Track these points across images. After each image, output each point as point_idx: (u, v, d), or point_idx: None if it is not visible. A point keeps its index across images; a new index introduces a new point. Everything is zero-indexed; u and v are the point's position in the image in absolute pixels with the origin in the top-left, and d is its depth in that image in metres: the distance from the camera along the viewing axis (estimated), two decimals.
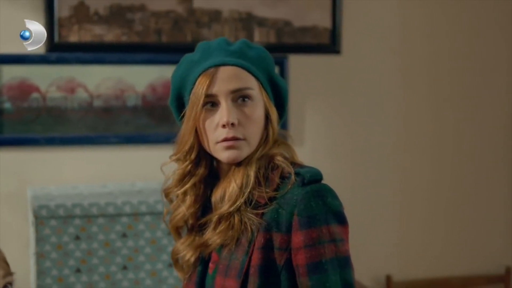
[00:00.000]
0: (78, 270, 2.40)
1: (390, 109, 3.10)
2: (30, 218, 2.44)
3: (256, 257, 1.32)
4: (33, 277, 2.38)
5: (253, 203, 1.36)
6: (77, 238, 2.40)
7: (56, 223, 2.37)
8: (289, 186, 1.34)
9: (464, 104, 3.17)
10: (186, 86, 1.43)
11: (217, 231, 1.38)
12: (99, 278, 2.42)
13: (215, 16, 2.85)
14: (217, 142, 1.37)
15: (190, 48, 1.51)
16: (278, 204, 1.34)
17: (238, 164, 1.39)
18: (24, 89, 2.71)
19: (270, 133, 1.41)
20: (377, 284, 3.10)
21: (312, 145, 3.02)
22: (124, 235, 2.43)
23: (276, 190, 1.35)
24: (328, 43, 2.98)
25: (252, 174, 1.37)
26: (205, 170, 1.44)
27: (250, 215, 1.35)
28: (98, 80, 2.78)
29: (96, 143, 2.80)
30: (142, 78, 2.80)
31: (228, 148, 1.37)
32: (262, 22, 2.90)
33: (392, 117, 3.10)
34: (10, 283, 1.27)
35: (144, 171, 2.74)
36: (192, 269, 1.45)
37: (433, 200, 3.18)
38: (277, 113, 1.46)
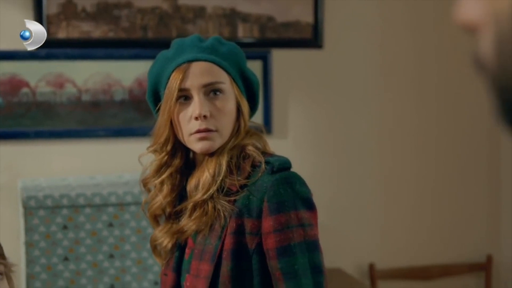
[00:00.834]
0: (66, 259, 2.43)
1: (371, 102, 3.11)
2: (20, 208, 2.47)
3: (228, 242, 1.38)
4: (23, 266, 2.42)
5: (225, 190, 1.41)
6: (65, 227, 2.42)
7: (45, 213, 2.40)
8: (260, 174, 1.40)
9: (447, 97, 3.18)
10: (161, 81, 1.48)
11: (192, 218, 1.44)
12: (87, 266, 2.45)
13: (199, 12, 2.85)
14: (191, 134, 1.43)
15: None
16: (249, 191, 1.39)
17: (211, 154, 1.44)
18: (14, 84, 2.71)
19: (242, 124, 1.47)
20: (360, 272, 3.12)
21: (295, 137, 3.03)
22: (110, 225, 2.46)
23: (247, 178, 1.41)
24: (311, 38, 2.97)
25: (224, 163, 1.42)
26: (181, 160, 1.49)
27: (223, 202, 1.40)
28: (86, 75, 2.78)
29: (84, 137, 2.80)
30: (129, 73, 2.80)
31: (201, 139, 1.42)
32: (245, 18, 2.90)
33: (373, 110, 3.11)
34: (1, 273, 1.28)
35: (131, 163, 2.74)
36: (170, 255, 1.49)
37: (415, 191, 3.19)
38: (248, 105, 1.52)
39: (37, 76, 2.74)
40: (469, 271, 3.23)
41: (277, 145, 2.96)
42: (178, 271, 1.49)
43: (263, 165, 1.41)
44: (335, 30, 3.03)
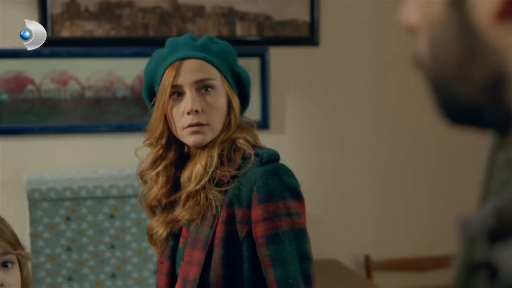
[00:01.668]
0: (69, 249, 2.46)
1: (366, 98, 3.13)
2: (25, 201, 2.51)
3: (220, 230, 1.42)
4: None
5: (216, 181, 1.46)
6: (68, 219, 2.46)
7: (48, 205, 2.43)
8: (249, 166, 1.44)
9: None
10: (156, 78, 1.53)
11: (186, 207, 1.48)
12: (89, 256, 2.48)
13: (199, 11, 2.88)
14: (183, 128, 1.48)
15: None
16: (239, 182, 1.44)
17: (203, 147, 1.49)
18: (20, 82, 2.74)
19: (232, 119, 1.51)
20: (356, 264, 3.16)
21: (292, 133, 3.06)
22: (111, 216, 2.49)
23: (238, 169, 1.45)
24: (307, 36, 2.99)
25: (215, 155, 1.47)
26: (175, 154, 1.54)
27: (214, 192, 1.44)
28: (89, 72, 2.80)
29: (87, 132, 2.82)
30: (131, 71, 2.82)
31: (193, 133, 1.47)
32: (243, 17, 2.93)
33: (368, 105, 3.14)
34: (10, 261, 1.30)
35: (132, 157, 2.77)
36: (165, 244, 1.54)
37: (410, 184, 3.21)
38: (240, 101, 1.56)
39: (42, 73, 2.77)
40: None
41: (274, 141, 3.02)
42: (173, 259, 1.53)
43: (252, 157, 1.45)
44: (331, 28, 3.04)
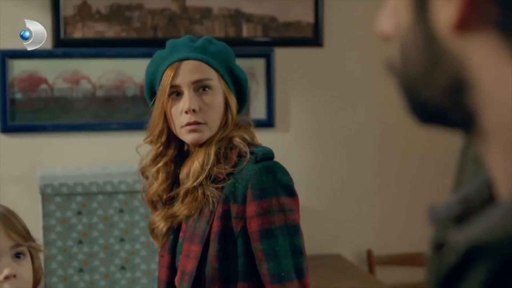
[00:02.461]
0: (80, 242, 2.48)
1: (369, 97, 3.13)
2: (38, 196, 2.54)
3: (216, 225, 1.43)
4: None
5: (212, 178, 1.47)
6: (79, 213, 2.48)
7: (60, 199, 2.45)
8: (245, 163, 1.44)
9: None
10: (156, 78, 1.54)
11: (184, 203, 1.49)
12: (99, 249, 2.50)
13: (206, 13, 2.89)
14: (182, 127, 1.49)
15: None
16: (235, 179, 1.44)
17: (201, 145, 1.50)
18: (34, 81, 2.76)
19: (229, 117, 1.51)
20: (359, 258, 3.16)
21: (296, 131, 3.07)
22: (121, 211, 2.51)
23: (234, 167, 1.46)
24: (311, 37, 3.00)
25: (212, 153, 1.47)
26: (175, 151, 1.55)
27: (211, 188, 1.45)
28: (100, 72, 2.82)
29: (98, 130, 2.84)
30: (140, 70, 2.72)
31: (191, 131, 1.48)
32: (249, 18, 2.93)
33: (370, 104, 3.13)
34: (22, 253, 1.31)
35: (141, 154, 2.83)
36: (166, 238, 1.55)
37: (412, 180, 3.21)
38: (238, 100, 1.57)
39: (55, 73, 2.79)
40: None
41: (279, 139, 3.04)
42: (173, 253, 1.55)
43: (248, 155, 1.45)
44: (334, 29, 3.05)
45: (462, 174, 0.55)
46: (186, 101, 1.48)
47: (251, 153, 1.47)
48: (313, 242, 3.10)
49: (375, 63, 3.12)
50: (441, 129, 0.49)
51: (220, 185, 1.46)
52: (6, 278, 1.26)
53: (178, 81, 1.49)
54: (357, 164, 3.16)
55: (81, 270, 2.50)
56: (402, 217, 3.22)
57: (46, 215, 2.46)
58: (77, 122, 2.83)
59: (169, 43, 1.56)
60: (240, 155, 1.48)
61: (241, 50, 2.92)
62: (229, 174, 1.46)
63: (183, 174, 1.52)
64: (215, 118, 1.50)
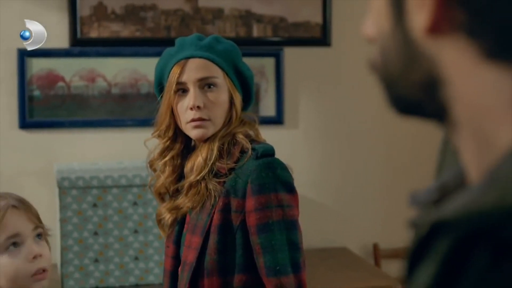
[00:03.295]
0: (96, 233, 2.49)
1: (375, 95, 3.11)
2: (55, 189, 2.56)
3: (216, 218, 1.44)
4: (58, 239, 2.52)
5: (214, 172, 1.48)
6: (95, 205, 2.49)
7: (77, 192, 2.46)
8: (246, 159, 1.45)
9: None
10: (165, 74, 1.56)
11: (188, 196, 1.51)
12: (114, 240, 2.51)
13: (218, 13, 2.89)
14: (187, 122, 1.50)
15: None
16: (236, 174, 1.45)
17: (205, 140, 1.51)
18: (51, 79, 2.78)
19: (234, 114, 1.52)
20: (365, 252, 3.14)
21: (305, 128, 3.06)
22: (135, 203, 2.51)
23: (236, 162, 1.46)
24: (319, 37, 2.99)
25: (215, 149, 1.48)
26: (181, 145, 1.56)
27: (214, 183, 1.46)
28: (115, 70, 2.83)
29: (113, 126, 2.85)
30: (154, 69, 2.88)
31: (196, 127, 1.49)
32: (259, 19, 2.93)
33: (377, 102, 3.13)
34: (41, 234, 1.34)
35: None
36: (171, 229, 1.56)
37: (417, 175, 3.19)
38: (244, 97, 1.57)
39: (72, 71, 2.80)
40: None
41: (288, 135, 3.04)
42: (177, 243, 1.55)
43: (249, 151, 1.46)
44: (342, 29, 3.04)
45: (443, 163, 0.58)
46: (191, 98, 1.49)
47: (253, 149, 1.47)
48: (321, 235, 3.10)
49: None
50: (417, 120, 0.53)
51: (222, 180, 1.47)
52: (34, 257, 1.31)
53: (184, 78, 1.50)
54: (364, 160, 3.14)
55: (96, 260, 2.52)
56: (407, 212, 3.19)
57: (63, 207, 2.47)
58: (93, 118, 2.84)
59: (177, 40, 1.57)
60: (243, 151, 1.48)
61: (251, 50, 2.92)
62: (231, 169, 1.47)
63: (187, 168, 1.53)
64: (219, 114, 1.51)
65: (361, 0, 3.07)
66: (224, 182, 1.47)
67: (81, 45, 2.80)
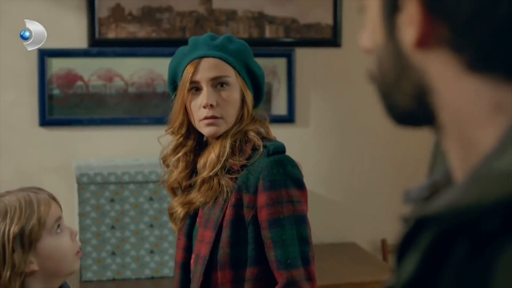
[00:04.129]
0: (113, 227, 2.50)
1: None
2: (74, 184, 2.58)
3: (228, 213, 1.44)
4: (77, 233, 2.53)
5: (227, 169, 1.48)
6: (112, 200, 2.50)
7: (95, 188, 2.48)
8: (257, 156, 1.45)
9: None
10: (178, 73, 1.56)
11: (200, 191, 1.51)
12: (130, 234, 2.52)
13: (231, 15, 2.90)
14: (200, 120, 1.50)
15: None
16: (248, 170, 1.45)
17: (218, 137, 1.51)
18: (70, 78, 2.79)
19: (245, 112, 1.52)
20: (373, 247, 3.14)
21: (316, 126, 3.06)
22: (150, 199, 2.52)
23: (247, 159, 1.47)
24: (330, 38, 2.98)
25: (227, 146, 1.48)
26: (194, 142, 1.56)
27: (226, 179, 1.46)
28: (132, 70, 2.83)
29: (130, 124, 2.86)
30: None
31: (208, 125, 1.49)
32: (272, 20, 2.93)
33: None
34: (60, 217, 1.37)
35: None
36: (183, 222, 1.57)
37: (424, 171, 3.20)
38: (255, 96, 1.57)
39: (90, 71, 2.81)
40: None
41: (299, 133, 3.04)
42: (189, 236, 1.56)
43: (261, 149, 1.46)
44: (352, 31, 3.03)
45: (434, 163, 0.61)
46: (204, 97, 1.49)
47: (264, 147, 1.47)
48: (331, 231, 3.09)
49: None
50: (412, 129, 0.56)
51: (234, 176, 1.47)
52: (75, 236, 1.40)
53: (198, 77, 1.50)
54: (372, 157, 3.13)
55: (113, 253, 2.53)
56: None
57: (81, 202, 2.49)
58: (110, 116, 2.85)
59: (191, 40, 1.57)
60: (254, 148, 1.48)
61: (263, 50, 2.92)
62: (243, 166, 1.47)
63: (200, 164, 1.53)
64: (231, 112, 1.51)
65: None
66: (236, 178, 1.47)
67: (99, 45, 2.81)
